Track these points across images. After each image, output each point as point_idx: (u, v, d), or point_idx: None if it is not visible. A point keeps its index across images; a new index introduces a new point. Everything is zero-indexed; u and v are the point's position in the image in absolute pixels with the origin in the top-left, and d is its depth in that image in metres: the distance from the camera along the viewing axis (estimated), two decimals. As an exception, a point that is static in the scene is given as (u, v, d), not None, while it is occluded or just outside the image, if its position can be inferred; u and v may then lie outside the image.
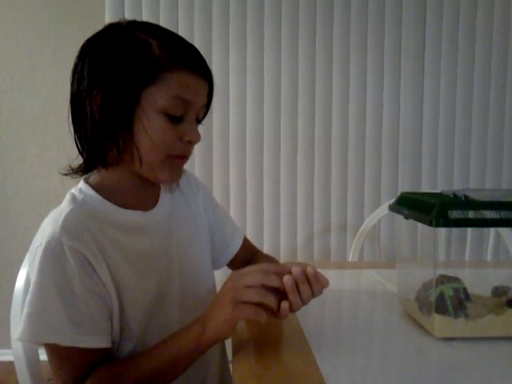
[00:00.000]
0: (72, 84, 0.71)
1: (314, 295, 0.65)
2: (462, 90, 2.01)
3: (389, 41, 1.98)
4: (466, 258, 1.52)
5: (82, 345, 0.63)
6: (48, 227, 0.66)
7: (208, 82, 0.73)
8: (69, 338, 0.62)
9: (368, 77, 1.99)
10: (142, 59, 0.67)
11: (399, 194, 0.87)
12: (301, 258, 2.03)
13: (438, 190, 0.86)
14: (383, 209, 1.58)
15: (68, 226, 0.65)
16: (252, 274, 0.63)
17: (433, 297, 0.71)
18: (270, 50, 1.95)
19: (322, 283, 0.66)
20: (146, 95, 0.67)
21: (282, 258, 2.00)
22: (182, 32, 1.85)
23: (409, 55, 1.99)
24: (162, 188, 0.81)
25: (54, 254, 0.63)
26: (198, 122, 0.75)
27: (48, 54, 2.02)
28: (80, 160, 0.74)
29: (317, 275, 0.65)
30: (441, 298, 0.71)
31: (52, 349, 0.64)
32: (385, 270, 1.17)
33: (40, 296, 0.63)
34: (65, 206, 0.70)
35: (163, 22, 1.90)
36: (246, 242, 0.95)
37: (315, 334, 0.74)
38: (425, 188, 2.03)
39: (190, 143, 0.73)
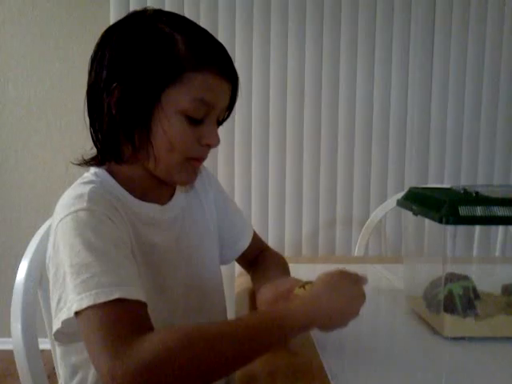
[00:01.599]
0: (90, 73, 0.67)
1: None
2: (471, 83, 1.97)
3: (397, 34, 1.94)
4: (474, 254, 1.50)
5: (144, 298, 0.56)
6: (70, 203, 0.61)
7: (232, 84, 0.69)
8: (133, 291, 0.55)
9: (375, 70, 1.96)
10: (166, 56, 0.63)
11: (406, 187, 0.85)
12: (305, 250, 2.02)
13: (446, 185, 0.84)
14: (389, 203, 1.56)
15: (94, 200, 0.62)
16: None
17: (441, 295, 0.69)
18: (278, 44, 1.93)
19: None
20: (167, 95, 0.64)
21: (287, 251, 1.99)
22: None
23: (417, 48, 1.96)
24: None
25: (87, 220, 0.59)
26: (219, 123, 0.72)
27: (52, 43, 2.00)
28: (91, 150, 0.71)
29: None
30: (450, 296, 0.69)
31: (110, 306, 0.53)
32: (391, 264, 1.15)
33: (85, 257, 0.55)
34: (83, 185, 0.65)
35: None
36: (255, 238, 0.92)
37: (320, 332, 0.73)
38: (432, 182, 2.00)
39: (209, 146, 0.69)
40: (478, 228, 1.51)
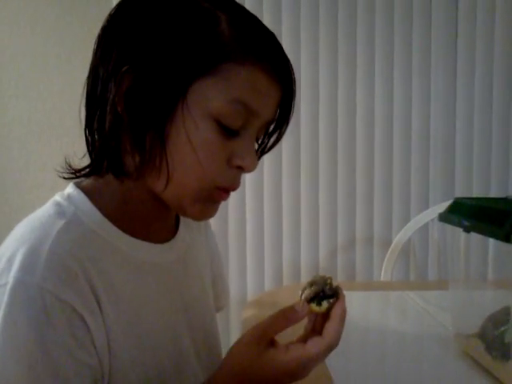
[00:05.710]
0: (95, 53, 0.51)
1: None
2: (498, 93, 1.84)
3: (417, 41, 1.82)
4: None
5: None
6: (20, 252, 0.44)
7: (282, 91, 0.51)
8: None
9: (395, 80, 1.84)
10: (204, 37, 0.46)
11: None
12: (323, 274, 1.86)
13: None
14: (414, 222, 1.42)
15: (56, 263, 0.44)
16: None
17: (509, 337, 0.53)
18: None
19: None
20: (196, 89, 0.47)
21: (302, 276, 1.84)
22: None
23: (439, 55, 1.83)
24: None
25: (29, 308, 0.43)
26: (258, 148, 0.55)
27: (53, 61, 1.93)
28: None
29: None
30: (521, 338, 0.53)
31: None
32: (424, 291, 0.99)
33: (4, 373, 0.43)
34: (50, 222, 0.48)
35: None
36: None
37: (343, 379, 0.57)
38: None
39: (241, 170, 0.51)
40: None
